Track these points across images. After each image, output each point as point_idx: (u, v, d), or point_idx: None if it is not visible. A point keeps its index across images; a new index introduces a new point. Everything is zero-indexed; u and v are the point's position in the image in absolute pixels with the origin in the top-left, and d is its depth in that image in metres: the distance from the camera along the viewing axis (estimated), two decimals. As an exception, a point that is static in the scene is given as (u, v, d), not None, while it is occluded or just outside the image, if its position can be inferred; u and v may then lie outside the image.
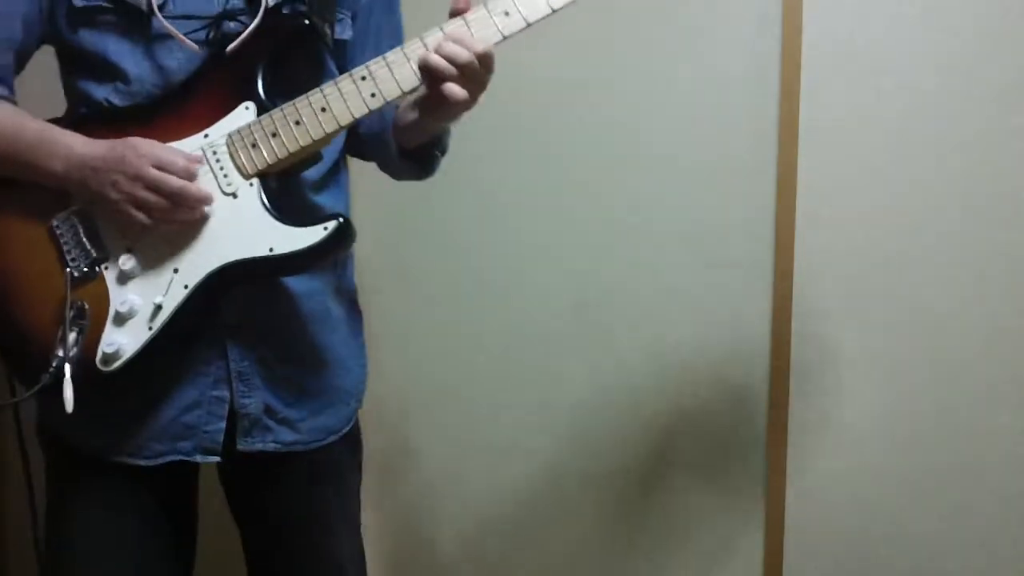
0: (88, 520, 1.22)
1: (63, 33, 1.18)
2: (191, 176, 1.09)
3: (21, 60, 1.20)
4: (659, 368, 1.80)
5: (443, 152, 1.30)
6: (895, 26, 1.66)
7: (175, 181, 1.07)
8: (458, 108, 1.11)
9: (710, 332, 1.78)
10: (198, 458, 1.20)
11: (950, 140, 1.64)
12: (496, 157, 1.82)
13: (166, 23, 1.12)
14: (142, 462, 1.18)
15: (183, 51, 1.15)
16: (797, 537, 1.76)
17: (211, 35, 1.15)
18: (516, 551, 1.91)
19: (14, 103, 1.17)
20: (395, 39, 1.30)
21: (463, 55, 1.07)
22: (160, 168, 1.07)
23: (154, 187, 1.07)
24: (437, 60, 1.07)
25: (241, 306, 1.18)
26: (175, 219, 1.10)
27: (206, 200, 1.10)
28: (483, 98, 1.12)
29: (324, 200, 1.24)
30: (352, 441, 1.36)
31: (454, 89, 1.08)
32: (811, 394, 1.74)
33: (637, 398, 1.82)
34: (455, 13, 1.11)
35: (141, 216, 1.09)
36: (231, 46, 1.13)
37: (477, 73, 1.08)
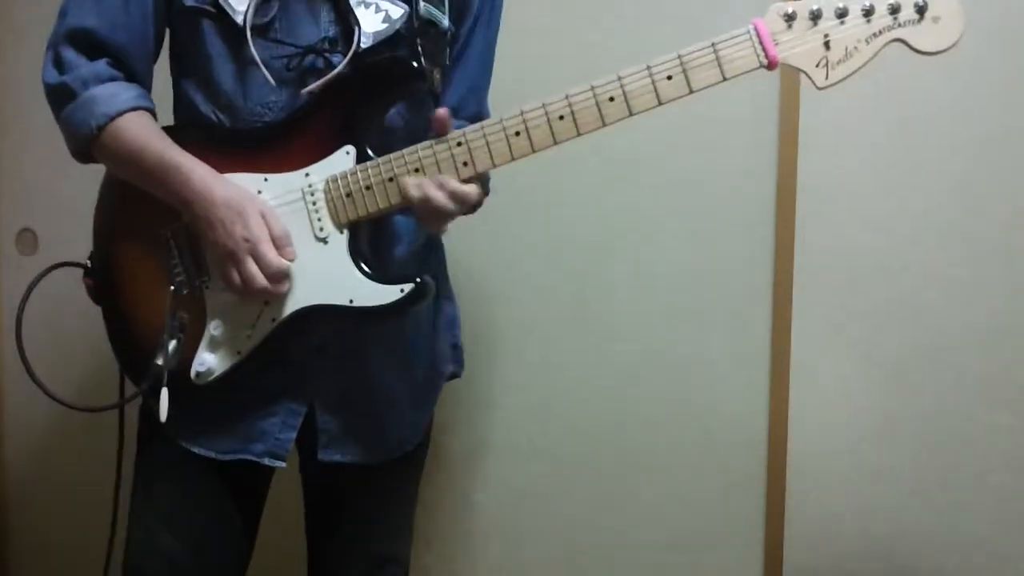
0: (162, 496, 1.29)
1: (174, 28, 1.23)
2: (279, 278, 1.13)
3: (156, 46, 1.23)
4: (659, 368, 1.80)
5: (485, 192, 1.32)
6: (895, 26, 1.66)
7: (260, 283, 1.11)
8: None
9: (710, 332, 1.78)
10: (267, 461, 1.26)
11: (950, 140, 1.65)
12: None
13: (252, 47, 1.15)
14: (214, 455, 1.24)
15: (276, 76, 1.17)
16: (797, 536, 1.76)
17: (291, 65, 1.18)
18: (514, 550, 1.91)
19: (149, 110, 1.19)
20: (486, 61, 1.36)
21: (448, 208, 1.13)
22: (256, 260, 1.11)
23: (242, 275, 1.12)
24: (419, 199, 1.12)
25: (330, 330, 1.23)
26: (243, 297, 1.15)
27: (276, 297, 1.15)
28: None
29: (408, 228, 1.28)
30: (421, 451, 1.45)
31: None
32: (812, 393, 1.74)
33: (637, 398, 1.82)
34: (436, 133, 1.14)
35: (224, 281, 1.14)
36: (308, 88, 1.15)
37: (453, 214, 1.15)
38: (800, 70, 1.07)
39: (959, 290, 1.66)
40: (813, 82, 1.08)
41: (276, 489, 1.39)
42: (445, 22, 1.25)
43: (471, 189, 1.14)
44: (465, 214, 1.30)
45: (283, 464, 1.26)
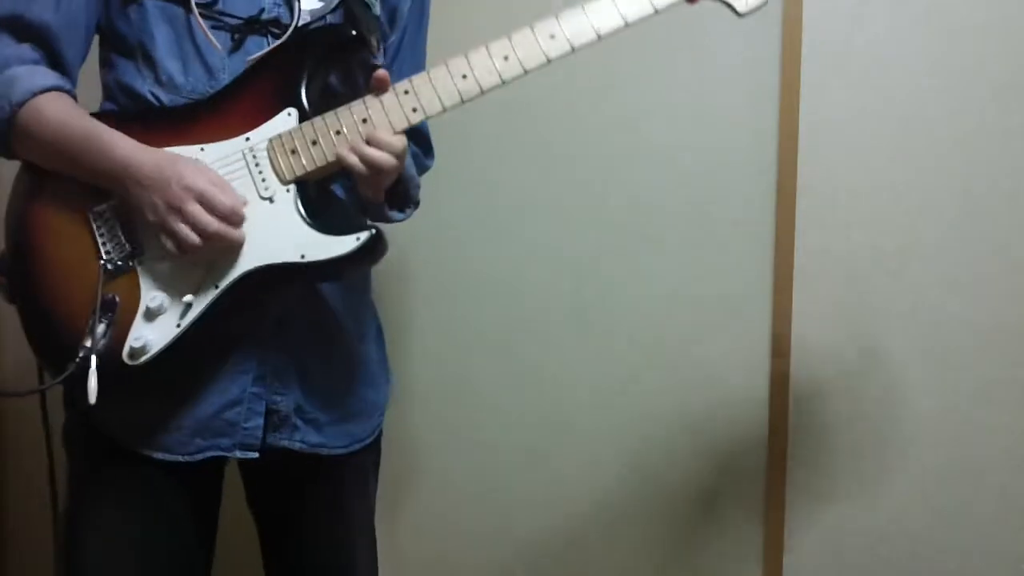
0: (115, 511, 1.21)
1: (112, 14, 1.19)
2: (235, 220, 1.08)
3: (87, 42, 1.21)
4: (658, 368, 1.80)
5: (407, 201, 1.30)
6: (895, 26, 1.66)
7: (214, 225, 1.07)
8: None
9: (710, 333, 1.78)
10: (237, 454, 1.20)
11: (949, 139, 1.65)
12: (496, 155, 1.82)
13: (197, 16, 1.14)
14: (182, 458, 1.18)
15: (223, 46, 1.16)
16: (797, 535, 1.76)
17: (234, 36, 1.17)
18: (513, 550, 1.91)
19: (70, 94, 1.16)
20: (418, 56, 1.35)
21: (387, 162, 1.11)
22: (204, 204, 1.07)
23: (191, 224, 1.07)
24: (357, 165, 1.11)
25: (282, 306, 1.19)
26: (203, 253, 1.09)
27: (240, 241, 1.10)
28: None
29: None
30: (375, 451, 1.38)
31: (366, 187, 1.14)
32: (811, 394, 1.74)
33: (636, 398, 1.82)
34: (375, 89, 1.13)
35: (170, 245, 1.09)
36: (252, 57, 1.15)
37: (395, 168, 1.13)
38: (722, 1, 1.17)
39: (959, 289, 1.66)
40: (735, 10, 1.18)
41: (239, 488, 1.36)
42: (377, 8, 1.25)
43: (399, 140, 1.12)
44: (392, 209, 1.29)
45: (256, 455, 1.21)
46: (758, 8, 1.16)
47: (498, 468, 1.90)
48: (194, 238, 1.07)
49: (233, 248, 1.10)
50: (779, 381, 1.74)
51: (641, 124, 1.77)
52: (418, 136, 1.35)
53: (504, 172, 1.82)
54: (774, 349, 1.74)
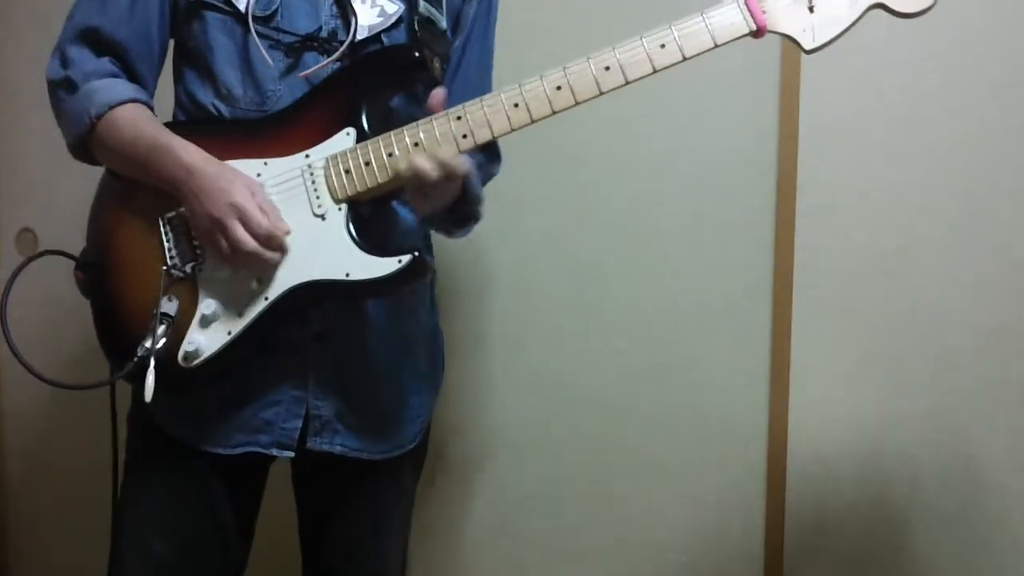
0: (158, 498, 1.27)
1: (179, 26, 1.24)
2: (271, 244, 1.13)
3: (161, 56, 1.26)
4: (659, 368, 1.80)
5: (467, 217, 1.31)
6: (895, 26, 1.65)
7: (250, 245, 1.11)
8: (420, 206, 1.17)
9: (710, 331, 1.78)
10: (274, 451, 1.26)
11: (949, 139, 1.65)
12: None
13: (254, 33, 1.18)
14: (221, 451, 1.24)
15: (276, 65, 1.20)
16: (797, 536, 1.76)
17: (290, 53, 1.21)
18: (514, 550, 1.91)
19: (146, 104, 1.21)
20: (486, 57, 1.37)
21: (431, 174, 1.12)
22: (244, 224, 1.11)
23: (229, 240, 1.12)
24: (405, 170, 1.12)
25: (329, 317, 1.24)
26: (248, 267, 1.14)
27: (274, 263, 1.14)
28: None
29: (410, 214, 1.28)
30: (419, 455, 1.42)
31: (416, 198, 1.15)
32: (810, 394, 1.74)
33: (637, 397, 1.82)
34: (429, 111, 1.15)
35: (209, 251, 1.15)
36: (305, 72, 1.19)
37: (438, 186, 1.13)
38: (787, 35, 1.11)
39: (959, 289, 1.66)
40: (801, 46, 1.12)
41: (277, 491, 1.39)
42: (443, 23, 1.27)
43: (455, 159, 1.13)
44: (454, 225, 1.31)
45: (292, 454, 1.26)
46: (824, 46, 1.12)
47: (496, 467, 1.90)
48: (228, 251, 1.12)
49: (282, 264, 1.15)
50: (779, 380, 1.74)
51: (641, 124, 1.77)
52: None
53: (503, 172, 1.82)
54: (774, 347, 1.74)
